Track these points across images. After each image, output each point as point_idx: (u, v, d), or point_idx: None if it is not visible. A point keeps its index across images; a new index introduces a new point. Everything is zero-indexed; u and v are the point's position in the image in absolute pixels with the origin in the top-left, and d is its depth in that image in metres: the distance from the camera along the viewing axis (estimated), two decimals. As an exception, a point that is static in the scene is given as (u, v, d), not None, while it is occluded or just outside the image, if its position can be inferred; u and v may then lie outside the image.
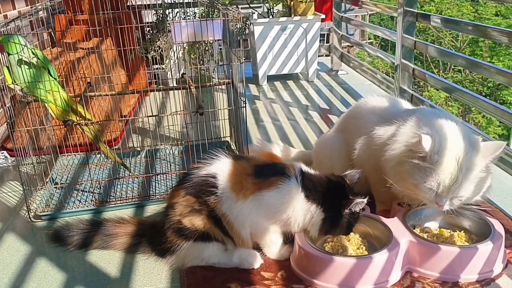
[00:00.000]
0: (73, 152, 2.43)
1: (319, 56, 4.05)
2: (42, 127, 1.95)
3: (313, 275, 1.44)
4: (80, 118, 1.83)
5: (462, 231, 1.58)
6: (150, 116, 1.98)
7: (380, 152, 1.62)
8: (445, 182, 1.41)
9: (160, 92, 3.64)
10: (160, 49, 3.76)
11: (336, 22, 4.09)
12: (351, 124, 1.92)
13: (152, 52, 3.73)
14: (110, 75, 2.75)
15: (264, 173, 1.52)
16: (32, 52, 1.74)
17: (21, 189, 1.97)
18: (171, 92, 2.99)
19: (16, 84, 1.74)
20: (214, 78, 3.89)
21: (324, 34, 4.90)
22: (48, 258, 1.68)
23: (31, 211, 1.91)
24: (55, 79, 1.79)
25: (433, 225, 1.64)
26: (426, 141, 1.41)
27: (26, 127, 1.91)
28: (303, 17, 3.76)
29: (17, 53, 1.70)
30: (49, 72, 1.77)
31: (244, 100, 1.96)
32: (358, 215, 1.52)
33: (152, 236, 1.66)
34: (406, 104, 1.83)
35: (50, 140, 2.24)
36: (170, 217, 1.53)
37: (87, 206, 1.95)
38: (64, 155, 2.40)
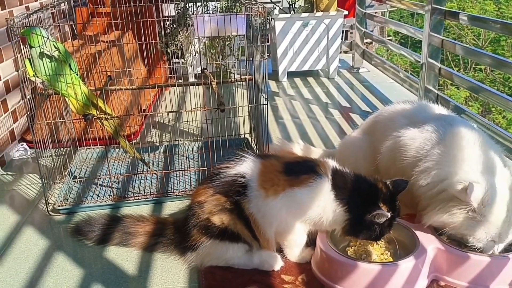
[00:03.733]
0: (92, 145, 2.41)
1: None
2: (62, 120, 1.93)
3: (335, 280, 1.40)
4: (100, 112, 1.81)
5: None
6: (170, 111, 1.95)
7: (409, 167, 1.56)
8: (496, 233, 1.37)
9: (180, 87, 3.61)
10: (181, 44, 3.73)
11: (359, 18, 4.01)
12: (379, 127, 1.86)
13: (173, 46, 3.71)
14: (130, 69, 2.73)
15: (295, 171, 1.49)
16: (54, 45, 1.71)
17: (40, 182, 1.96)
18: (191, 87, 2.97)
19: (37, 77, 1.72)
20: (233, 73, 3.86)
21: (343, 31, 4.81)
22: (66, 253, 1.67)
23: (50, 204, 1.90)
24: (76, 73, 1.77)
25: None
26: (476, 194, 1.34)
27: (46, 120, 1.89)
28: (325, 13, 3.70)
29: (39, 46, 1.68)
30: (70, 66, 1.75)
31: (266, 97, 1.92)
32: (391, 223, 1.46)
33: (173, 234, 1.64)
34: (437, 109, 1.76)
35: (70, 133, 2.23)
36: (197, 215, 1.50)
37: (105, 201, 1.93)
38: (83, 149, 2.38)
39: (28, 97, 1.80)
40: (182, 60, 3.77)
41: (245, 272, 1.49)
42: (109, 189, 2.02)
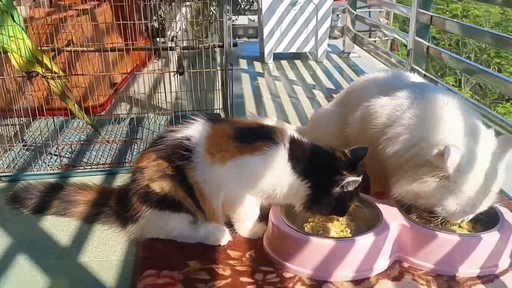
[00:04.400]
0: (54, 115, 2.25)
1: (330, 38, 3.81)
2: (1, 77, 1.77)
3: (285, 257, 1.24)
4: (46, 71, 1.65)
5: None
6: (124, 73, 1.79)
7: (379, 135, 1.40)
8: (469, 202, 1.21)
9: (157, 63, 3.44)
10: (162, 19, 3.57)
11: (350, 0, 3.84)
12: (351, 97, 1.70)
13: (154, 22, 3.54)
14: (102, 41, 2.56)
15: (248, 137, 1.33)
16: (-6, -7, 1.55)
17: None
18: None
19: (-24, 28, 1.56)
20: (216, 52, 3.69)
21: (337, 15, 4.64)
22: (-3, 221, 1.51)
23: (-9, 171, 1.75)
24: (20, 25, 1.61)
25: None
26: (453, 159, 1.17)
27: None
28: (315, -8, 3.53)
29: (-24, -7, 1.52)
30: (12, 17, 1.59)
31: (230, 62, 1.76)
32: (354, 195, 1.30)
33: (115, 204, 1.48)
34: (413, 77, 1.60)
35: (27, 101, 2.08)
36: (138, 181, 1.35)
37: (52, 170, 1.78)
38: (41, 118, 2.22)
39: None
40: (163, 39, 3.60)
41: (188, 246, 1.33)
42: (59, 158, 1.86)
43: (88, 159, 1.89)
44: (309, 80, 3.28)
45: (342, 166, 1.27)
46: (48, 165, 1.82)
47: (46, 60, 1.65)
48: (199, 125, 1.37)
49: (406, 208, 1.36)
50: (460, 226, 1.32)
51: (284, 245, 1.25)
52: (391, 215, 1.30)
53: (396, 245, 1.26)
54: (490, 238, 1.21)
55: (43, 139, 2.09)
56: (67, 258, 1.34)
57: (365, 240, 1.20)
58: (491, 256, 1.21)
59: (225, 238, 1.35)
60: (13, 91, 2.23)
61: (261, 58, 3.75)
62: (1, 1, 1.56)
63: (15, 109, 1.91)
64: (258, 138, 1.33)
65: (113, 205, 1.49)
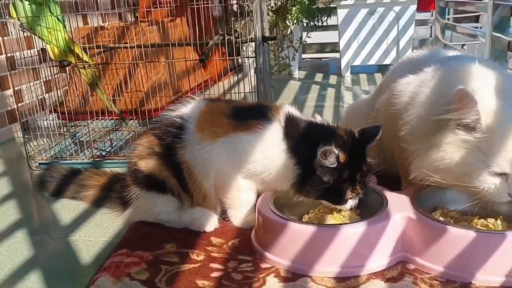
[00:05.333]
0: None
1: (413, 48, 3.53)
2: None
3: (265, 247, 1.08)
4: (78, 60, 1.71)
5: (498, 219, 1.07)
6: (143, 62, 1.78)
7: (398, 119, 1.20)
8: None
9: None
10: (238, 34, 3.59)
11: (439, 9, 3.53)
12: (384, 84, 1.50)
13: (231, 37, 3.57)
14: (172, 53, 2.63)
15: (243, 115, 1.22)
16: (34, -13, 1.66)
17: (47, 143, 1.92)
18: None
19: (18, 19, 1.68)
20: (292, 66, 3.61)
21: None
22: (17, 201, 1.57)
23: (31, 158, 1.84)
24: (57, 17, 1.70)
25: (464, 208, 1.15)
26: (467, 95, 0.94)
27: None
28: (396, -1, 3.31)
29: (18, -14, 1.64)
30: (50, 9, 1.68)
31: (256, 50, 1.67)
32: (352, 179, 1.10)
33: (120, 188, 1.45)
34: (452, 53, 1.36)
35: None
36: (131, 159, 1.32)
37: (83, 159, 1.82)
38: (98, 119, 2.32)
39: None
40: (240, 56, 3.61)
41: (171, 229, 1.24)
42: (95, 149, 1.90)
43: (118, 150, 1.90)
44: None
45: (335, 143, 1.09)
46: (80, 154, 1.86)
47: (77, 50, 1.71)
48: (195, 103, 1.29)
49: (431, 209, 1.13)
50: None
51: (264, 233, 1.10)
52: (398, 205, 1.07)
53: (400, 242, 1.04)
54: (519, 237, 0.93)
55: (91, 135, 2.17)
56: (58, 236, 1.33)
57: (352, 230, 1.00)
58: (522, 261, 0.93)
59: (211, 224, 1.23)
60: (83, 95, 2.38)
61: (338, 72, 3.59)
62: (39, -6, 1.66)
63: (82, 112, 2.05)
64: (253, 116, 1.21)
65: (118, 189, 1.46)
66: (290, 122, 1.18)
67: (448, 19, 3.70)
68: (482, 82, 1.03)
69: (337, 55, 3.86)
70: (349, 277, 0.99)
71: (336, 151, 1.05)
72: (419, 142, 1.09)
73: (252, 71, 3.64)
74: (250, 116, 1.22)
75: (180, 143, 1.23)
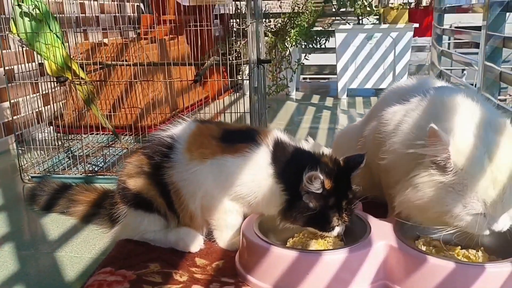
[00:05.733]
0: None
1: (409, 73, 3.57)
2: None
3: (248, 270, 1.09)
4: (75, 77, 1.73)
5: (480, 251, 1.08)
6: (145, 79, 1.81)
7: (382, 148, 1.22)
8: (489, 197, 0.97)
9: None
10: (238, 54, 3.64)
11: (435, 35, 3.58)
12: (373, 111, 1.52)
13: (231, 57, 3.62)
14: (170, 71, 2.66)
15: (232, 138, 1.24)
16: (35, 4, 1.70)
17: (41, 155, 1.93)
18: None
19: (17, 35, 1.71)
20: (289, 87, 3.65)
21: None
22: (6, 214, 1.58)
23: (24, 171, 1.85)
24: (56, 34, 1.73)
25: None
26: (438, 133, 0.96)
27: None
28: (393, 25, 3.36)
29: (19, 4, 1.67)
30: (49, 26, 1.71)
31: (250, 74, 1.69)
32: (339, 206, 1.12)
33: (110, 205, 1.46)
34: (439, 83, 1.38)
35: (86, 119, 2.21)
36: (120, 177, 1.33)
37: (75, 174, 1.83)
38: (93, 134, 2.34)
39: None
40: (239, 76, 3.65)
41: (157, 249, 1.25)
42: (88, 164, 1.91)
43: (111, 166, 1.91)
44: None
45: (324, 170, 1.11)
46: (73, 169, 1.88)
47: (74, 67, 1.74)
48: (186, 124, 1.31)
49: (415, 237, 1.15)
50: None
51: (248, 256, 1.11)
52: (381, 233, 1.08)
53: (382, 269, 1.05)
54: (497, 269, 0.94)
55: (85, 150, 2.18)
56: (45, 251, 1.33)
57: (334, 256, 1.01)
58: (500, 294, 0.94)
59: (196, 245, 1.23)
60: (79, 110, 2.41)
61: (334, 94, 3.62)
62: (39, 11, 1.69)
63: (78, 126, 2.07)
64: (242, 139, 1.23)
65: (107, 206, 1.47)
66: (279, 147, 1.20)
67: (448, 44, 3.74)
68: (461, 118, 1.05)
69: (335, 77, 3.90)
70: (329, 303, 1.00)
71: (322, 177, 1.07)
72: (399, 178, 1.11)
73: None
74: (238, 139, 1.24)
75: (169, 162, 1.24)
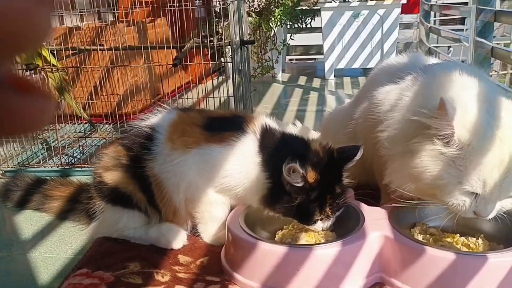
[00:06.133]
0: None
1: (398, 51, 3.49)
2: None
3: (234, 267, 1.02)
4: (46, 64, 1.63)
5: (480, 238, 1.02)
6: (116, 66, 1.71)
7: (376, 129, 1.14)
8: (492, 178, 0.90)
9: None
10: (221, 35, 3.52)
11: (423, 12, 3.50)
12: (362, 91, 1.45)
13: (213, 38, 3.50)
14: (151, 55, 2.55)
15: (218, 127, 1.15)
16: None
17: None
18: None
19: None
20: (275, 69, 3.55)
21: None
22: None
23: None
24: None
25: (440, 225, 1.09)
26: (452, 108, 0.89)
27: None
28: (380, 2, 3.27)
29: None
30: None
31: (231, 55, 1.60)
32: (323, 200, 1.04)
33: (86, 200, 1.37)
34: (432, 60, 1.31)
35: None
36: (96, 170, 1.24)
37: (51, 167, 1.74)
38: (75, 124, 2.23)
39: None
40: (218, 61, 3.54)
41: (137, 247, 1.16)
42: (64, 156, 1.81)
43: (88, 158, 1.82)
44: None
45: (308, 160, 1.02)
46: (49, 162, 1.78)
47: (45, 53, 1.63)
48: (167, 113, 1.22)
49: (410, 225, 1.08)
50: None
51: (234, 252, 1.03)
52: (375, 223, 1.02)
53: (377, 262, 0.98)
54: (500, 259, 0.88)
55: (61, 141, 2.08)
56: (18, 251, 1.25)
57: (326, 251, 0.94)
58: (504, 284, 0.88)
59: (178, 241, 1.15)
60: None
61: (322, 75, 3.54)
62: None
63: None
64: (227, 127, 1.14)
65: (84, 200, 1.38)
66: (267, 134, 1.12)
67: (434, 21, 3.67)
68: (465, 92, 0.98)
69: (322, 57, 3.81)
70: (322, 301, 0.93)
71: (301, 170, 0.98)
72: (398, 146, 1.03)
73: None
74: (224, 127, 1.15)
75: (149, 154, 1.16)
